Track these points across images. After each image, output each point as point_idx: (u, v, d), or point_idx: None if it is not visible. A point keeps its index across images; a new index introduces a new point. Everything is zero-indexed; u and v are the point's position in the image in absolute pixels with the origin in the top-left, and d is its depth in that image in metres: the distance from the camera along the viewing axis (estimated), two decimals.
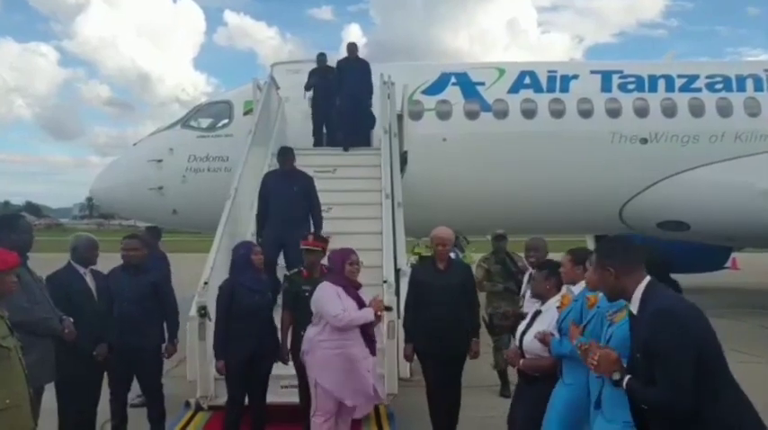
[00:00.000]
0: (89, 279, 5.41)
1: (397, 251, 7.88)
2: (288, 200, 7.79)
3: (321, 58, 12.11)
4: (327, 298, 5.13)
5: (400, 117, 11.68)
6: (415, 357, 6.10)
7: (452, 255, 18.91)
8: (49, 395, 4.97)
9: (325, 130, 11.70)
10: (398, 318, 6.68)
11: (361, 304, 5.18)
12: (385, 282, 6.84)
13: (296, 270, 5.84)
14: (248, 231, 8.41)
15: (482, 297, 7.55)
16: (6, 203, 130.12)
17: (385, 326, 6.60)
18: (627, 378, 3.00)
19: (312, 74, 11.90)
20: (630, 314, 3.16)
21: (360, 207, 9.04)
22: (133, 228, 11.64)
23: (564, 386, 4.17)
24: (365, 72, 11.40)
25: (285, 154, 8.20)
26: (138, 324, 5.63)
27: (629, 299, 3.12)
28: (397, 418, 6.73)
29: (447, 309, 5.69)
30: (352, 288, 5.23)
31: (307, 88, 11.93)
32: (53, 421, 5.13)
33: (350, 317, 5.06)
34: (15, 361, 3.62)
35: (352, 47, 11.81)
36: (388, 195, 8.54)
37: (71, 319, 4.78)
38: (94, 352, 5.24)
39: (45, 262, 5.70)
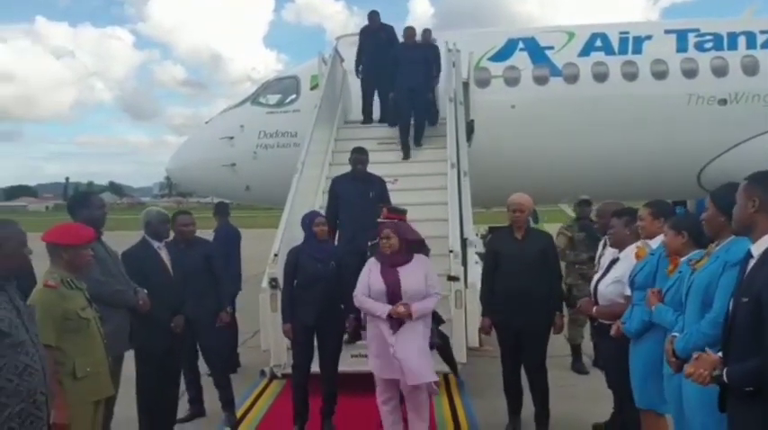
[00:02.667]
0: (163, 253, 5.54)
1: (463, 221, 7.83)
2: (363, 207, 7.01)
3: (372, 15, 11.27)
4: (361, 274, 5.16)
5: (466, 85, 11.52)
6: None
7: None
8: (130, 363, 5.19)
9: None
10: (465, 287, 6.70)
11: (395, 284, 4.97)
12: (451, 251, 6.82)
13: (375, 241, 5.77)
14: (316, 203, 8.53)
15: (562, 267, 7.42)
16: (90, 183, 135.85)
17: (452, 296, 6.63)
18: (725, 370, 2.73)
19: (362, 33, 11.30)
20: (745, 257, 2.89)
21: (425, 177, 9.01)
22: (211, 205, 12.01)
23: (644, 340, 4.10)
24: (427, 59, 10.38)
25: (357, 156, 7.32)
26: (193, 296, 5.75)
27: (754, 237, 2.84)
28: (468, 387, 6.76)
29: (525, 280, 5.37)
30: (389, 266, 5.04)
31: (359, 52, 11.21)
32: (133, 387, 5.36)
33: (362, 302, 5.03)
34: (94, 331, 3.80)
35: (410, 31, 10.77)
36: (454, 164, 8.44)
37: (145, 291, 4.95)
38: (172, 324, 5.41)
39: (128, 239, 5.91)
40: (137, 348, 5.30)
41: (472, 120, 11.40)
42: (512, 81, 12.84)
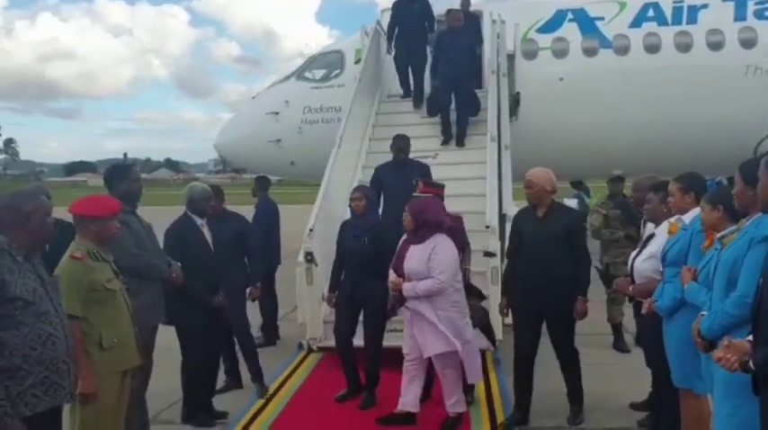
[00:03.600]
0: (205, 230, 5.57)
1: (503, 196, 7.71)
2: (406, 194, 6.75)
3: None
4: None
5: (512, 57, 11.28)
6: None
7: (573, 201, 18.27)
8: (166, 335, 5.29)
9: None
10: (502, 263, 6.60)
11: (401, 262, 5.16)
12: (488, 227, 6.73)
13: None
14: (355, 178, 8.51)
15: (597, 245, 7.24)
16: (148, 160, 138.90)
17: (489, 272, 6.55)
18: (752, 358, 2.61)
19: (395, 5, 10.70)
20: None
21: (466, 151, 8.89)
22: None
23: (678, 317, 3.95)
24: (472, 46, 9.75)
25: (398, 144, 7.15)
26: (222, 270, 5.75)
27: None
28: (504, 365, 6.68)
29: (543, 261, 5.08)
30: (407, 244, 5.21)
31: (391, 26, 10.69)
32: (169, 358, 5.48)
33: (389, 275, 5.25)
34: (121, 302, 3.84)
35: (453, 14, 9.94)
36: (494, 138, 8.29)
37: (179, 265, 5.00)
38: (213, 300, 5.45)
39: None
40: (178, 323, 5.42)
41: (518, 93, 11.18)
42: (560, 53, 12.52)
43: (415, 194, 5.63)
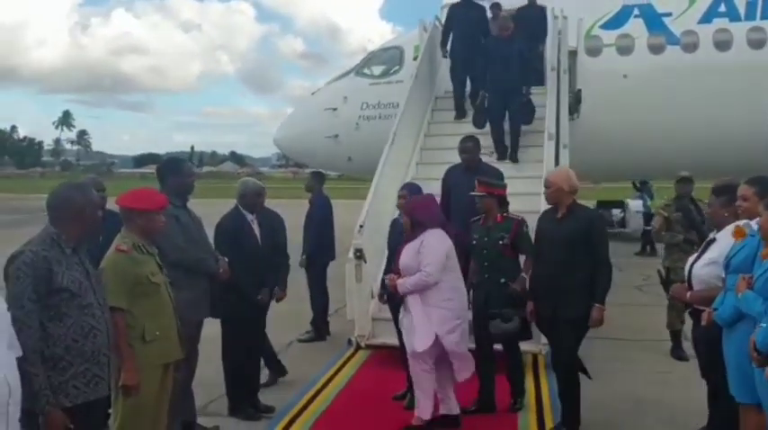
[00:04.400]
0: (255, 226, 5.59)
1: None
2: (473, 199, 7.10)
3: None
4: None
5: (574, 53, 11.02)
6: None
7: (636, 203, 17.73)
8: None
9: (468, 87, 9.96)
10: None
11: (398, 258, 5.16)
12: None
13: (477, 218, 5.59)
14: (408, 175, 8.44)
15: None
16: (213, 153, 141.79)
17: None
18: None
19: (451, 8, 10.37)
20: None
21: (523, 150, 8.71)
22: (329, 176, 12.47)
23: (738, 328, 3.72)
24: (522, 54, 9.03)
25: (463, 145, 6.71)
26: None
27: None
28: None
29: (555, 264, 4.86)
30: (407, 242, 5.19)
31: (445, 31, 10.28)
32: (213, 350, 5.54)
33: None
34: (164, 295, 3.86)
35: (504, 23, 9.40)
36: (552, 136, 8.08)
37: (226, 259, 5.02)
38: (258, 296, 5.50)
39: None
40: (225, 317, 5.47)
41: (579, 90, 10.92)
42: (625, 50, 12.20)
43: (471, 194, 5.53)
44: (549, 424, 5.28)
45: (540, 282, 5.01)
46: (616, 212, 19.02)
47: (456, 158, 6.84)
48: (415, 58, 12.20)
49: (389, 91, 12.52)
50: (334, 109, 13.26)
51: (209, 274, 4.86)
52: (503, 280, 5.27)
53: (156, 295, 3.80)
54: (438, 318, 4.94)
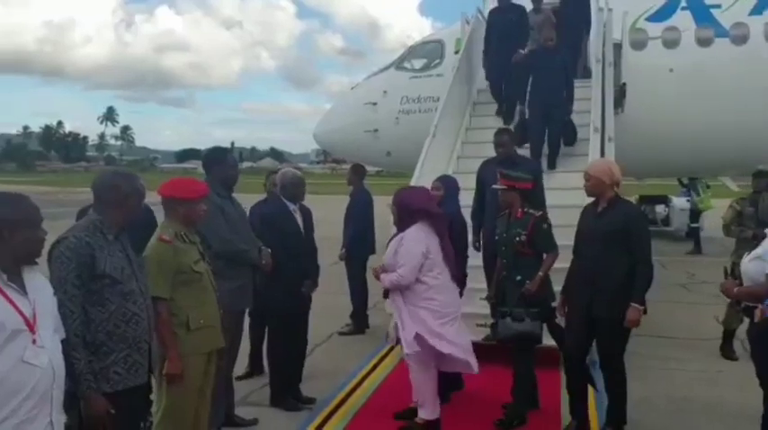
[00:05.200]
0: (298, 216, 5.59)
1: None
2: None
3: None
4: None
5: (618, 46, 10.79)
6: None
7: (681, 200, 17.26)
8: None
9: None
10: None
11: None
12: None
13: (503, 213, 5.44)
14: (449, 169, 8.36)
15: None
16: (253, 149, 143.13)
17: None
18: None
19: (491, 13, 10.13)
20: None
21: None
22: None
23: None
24: (566, 67, 8.56)
25: (498, 139, 6.54)
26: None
27: None
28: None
29: (593, 260, 4.67)
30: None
31: (487, 37, 9.98)
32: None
33: None
34: (207, 284, 3.86)
35: (546, 33, 8.85)
36: (597, 129, 7.91)
37: (269, 251, 5.01)
38: (302, 287, 5.49)
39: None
40: (269, 308, 5.49)
41: (624, 84, 10.68)
42: (671, 43, 11.90)
43: (494, 187, 5.41)
44: (594, 424, 5.16)
45: (575, 279, 4.82)
46: (660, 210, 18.52)
47: None
48: (456, 52, 12.08)
49: (430, 85, 12.41)
50: (374, 103, 13.21)
51: (252, 265, 4.86)
52: (518, 278, 5.08)
53: (199, 284, 3.80)
54: (419, 318, 4.80)
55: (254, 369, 6.27)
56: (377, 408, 5.45)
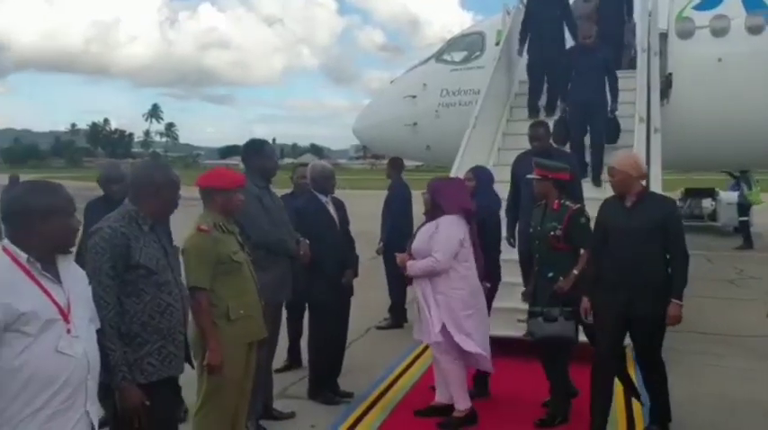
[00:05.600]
0: (330, 208, 5.54)
1: (650, 182, 7.13)
2: None
3: None
4: None
5: (664, 36, 10.49)
6: None
7: (731, 194, 16.80)
8: None
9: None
10: None
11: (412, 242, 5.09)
12: None
13: (538, 204, 5.23)
14: (490, 160, 8.24)
15: None
16: (294, 145, 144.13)
17: None
18: None
19: (528, 4, 9.68)
20: None
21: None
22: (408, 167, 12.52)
23: None
24: (607, 65, 8.14)
25: (533, 132, 6.29)
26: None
27: None
28: None
29: (629, 259, 4.41)
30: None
31: (524, 27, 9.50)
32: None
33: None
34: (247, 274, 3.85)
35: (585, 30, 8.45)
36: (643, 119, 7.69)
37: (307, 241, 4.98)
38: (342, 279, 5.44)
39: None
40: (308, 300, 5.46)
41: (670, 74, 10.39)
42: (719, 31, 11.50)
43: (528, 177, 5.23)
44: (639, 424, 5.00)
45: (609, 278, 4.52)
46: (706, 204, 17.98)
47: None
48: (497, 44, 11.91)
49: (470, 77, 12.22)
50: (414, 96, 13.08)
51: (289, 256, 4.84)
52: (550, 274, 4.84)
53: (239, 273, 3.79)
54: (448, 307, 4.76)
55: (293, 362, 6.25)
56: (415, 404, 5.36)
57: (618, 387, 5.52)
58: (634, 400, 5.16)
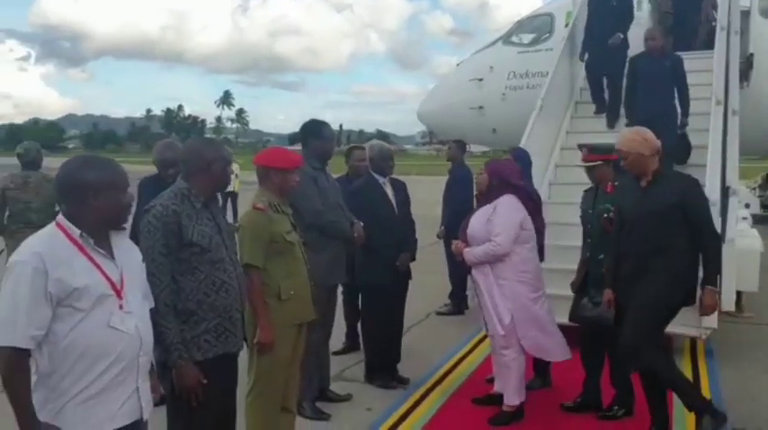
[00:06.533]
0: (388, 189, 5.46)
1: (727, 167, 6.79)
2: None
3: None
4: None
5: (746, 14, 9.94)
6: None
7: None
8: None
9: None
10: (722, 241, 5.84)
11: (466, 225, 4.84)
12: None
13: (587, 189, 5.05)
14: (557, 144, 8.01)
15: None
16: (360, 132, 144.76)
17: None
18: None
19: (591, 1, 8.97)
20: None
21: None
22: (471, 153, 12.22)
23: None
24: (676, 72, 7.35)
25: (652, 32, 6.04)
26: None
27: None
28: (717, 355, 5.96)
29: (644, 244, 4.05)
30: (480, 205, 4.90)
31: (587, 27, 8.87)
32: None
33: None
34: (299, 255, 3.82)
35: (652, 34, 7.58)
36: (720, 102, 7.27)
37: (361, 224, 4.93)
38: (397, 261, 5.35)
39: None
40: (363, 282, 5.41)
41: (751, 55, 9.85)
42: None
43: (581, 164, 4.97)
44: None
45: (623, 265, 4.19)
46: None
47: None
48: (566, 25, 11.56)
49: (538, 59, 11.90)
50: (480, 79, 12.86)
51: (343, 238, 4.78)
52: (601, 256, 4.58)
53: (291, 254, 3.76)
54: (514, 293, 4.56)
55: (351, 345, 6.23)
56: (472, 392, 5.24)
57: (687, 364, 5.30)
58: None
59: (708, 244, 4.03)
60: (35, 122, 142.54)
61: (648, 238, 4.05)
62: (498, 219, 4.60)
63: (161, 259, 2.97)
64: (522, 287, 4.60)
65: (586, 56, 8.78)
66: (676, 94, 7.28)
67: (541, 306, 4.69)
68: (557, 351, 4.73)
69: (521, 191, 4.78)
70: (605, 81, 8.58)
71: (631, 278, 4.12)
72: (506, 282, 4.59)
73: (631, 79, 7.58)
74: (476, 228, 4.70)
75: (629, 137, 4.18)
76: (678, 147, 7.22)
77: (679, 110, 7.34)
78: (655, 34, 7.49)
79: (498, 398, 4.79)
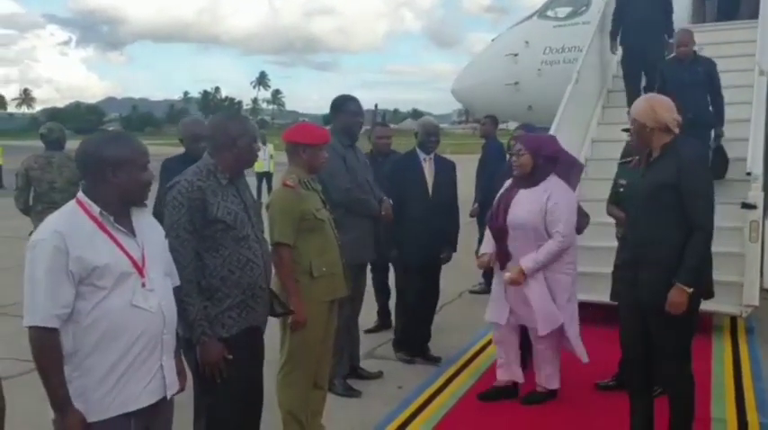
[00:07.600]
0: (426, 165, 5.33)
1: None
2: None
3: None
4: None
5: None
6: None
7: None
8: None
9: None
10: (765, 217, 5.67)
11: (502, 213, 4.41)
12: (748, 174, 5.77)
13: (627, 160, 4.70)
14: (593, 120, 7.82)
15: None
16: (396, 111, 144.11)
17: (747, 227, 5.66)
18: None
19: None
20: None
21: (727, 90, 7.66)
22: (503, 130, 11.94)
23: None
24: (711, 77, 6.67)
25: (682, 38, 5.71)
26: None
27: None
28: (759, 333, 5.80)
29: (635, 230, 3.58)
30: (513, 188, 4.47)
31: (615, 17, 8.29)
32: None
33: None
34: (329, 232, 3.78)
35: (683, 36, 6.83)
36: (763, 72, 6.99)
37: (390, 201, 4.86)
38: (441, 254, 5.31)
39: None
40: (395, 260, 5.36)
41: None
42: None
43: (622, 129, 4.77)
44: (748, 395, 4.62)
45: (624, 254, 3.79)
46: None
47: None
48: None
49: (575, 33, 11.58)
50: (515, 55, 12.59)
51: (371, 215, 4.73)
52: None
53: (322, 231, 3.72)
54: (559, 288, 4.31)
55: (383, 323, 6.21)
56: None
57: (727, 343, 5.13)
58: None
59: (694, 234, 3.37)
60: (77, 106, 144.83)
61: (641, 224, 3.55)
62: (559, 209, 4.21)
63: (185, 235, 2.94)
64: (567, 278, 4.36)
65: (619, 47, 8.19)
66: (710, 101, 6.68)
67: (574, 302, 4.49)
68: (577, 349, 4.54)
69: (572, 165, 4.52)
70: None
71: (628, 270, 3.66)
72: (554, 274, 4.30)
73: (661, 86, 6.66)
74: (523, 217, 4.26)
75: (638, 103, 3.65)
76: (714, 161, 6.60)
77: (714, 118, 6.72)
78: (686, 39, 6.83)
79: (503, 390, 4.66)
